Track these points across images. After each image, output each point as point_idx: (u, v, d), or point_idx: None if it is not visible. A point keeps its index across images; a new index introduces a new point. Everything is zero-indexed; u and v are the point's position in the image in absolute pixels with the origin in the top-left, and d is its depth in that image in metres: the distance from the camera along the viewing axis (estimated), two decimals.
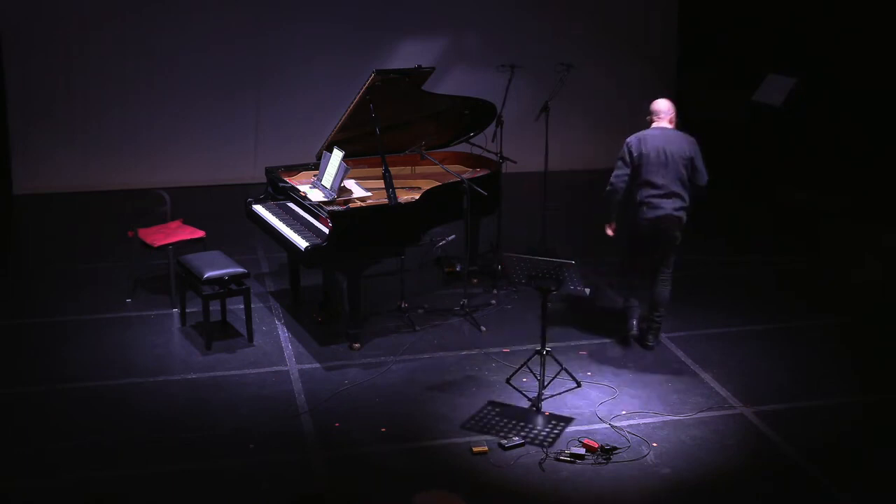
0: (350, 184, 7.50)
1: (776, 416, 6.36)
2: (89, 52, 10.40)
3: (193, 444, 6.02)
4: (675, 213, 6.93)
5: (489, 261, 8.40)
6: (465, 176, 7.60)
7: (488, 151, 8.28)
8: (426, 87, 7.71)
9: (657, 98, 7.24)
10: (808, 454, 5.95)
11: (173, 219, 8.19)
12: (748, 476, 5.80)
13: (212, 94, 10.75)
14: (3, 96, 10.38)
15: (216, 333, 7.30)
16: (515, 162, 8.28)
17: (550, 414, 6.35)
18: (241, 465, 5.81)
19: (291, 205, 7.55)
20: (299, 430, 6.19)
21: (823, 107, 10.76)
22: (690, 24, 11.65)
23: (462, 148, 8.36)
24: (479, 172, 7.98)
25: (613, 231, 7.22)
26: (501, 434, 6.12)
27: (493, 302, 7.98)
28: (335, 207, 7.05)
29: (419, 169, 8.13)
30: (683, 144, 6.95)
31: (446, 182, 7.62)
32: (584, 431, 6.16)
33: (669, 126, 7.04)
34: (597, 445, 5.94)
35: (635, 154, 6.94)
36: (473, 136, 8.25)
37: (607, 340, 7.37)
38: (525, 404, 6.48)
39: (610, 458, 5.86)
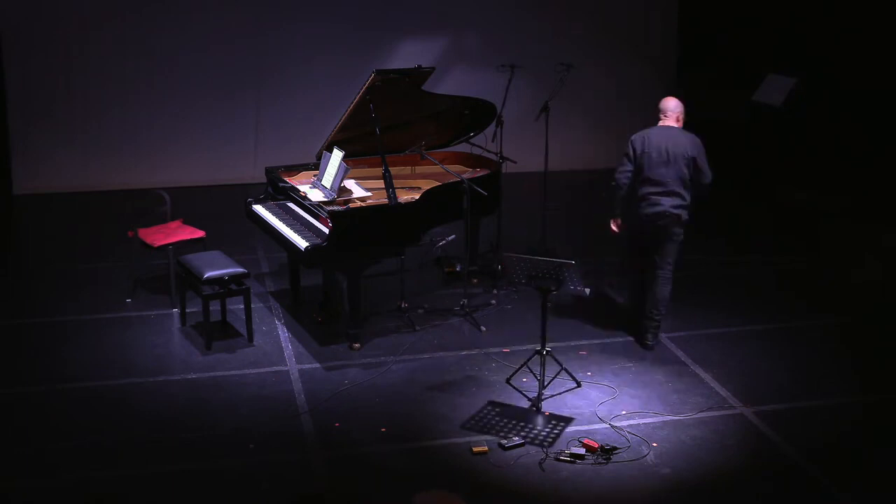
0: (350, 184, 7.50)
1: (776, 416, 6.36)
2: (89, 52, 10.40)
3: (193, 444, 6.02)
4: (673, 211, 6.97)
5: (489, 261, 8.40)
6: (465, 176, 7.60)
7: (488, 151, 8.28)
8: (426, 87, 7.71)
9: (663, 97, 7.32)
10: (808, 454, 5.95)
11: (173, 219, 8.19)
12: (748, 476, 5.80)
13: (212, 94, 10.75)
14: (3, 96, 10.38)
15: (216, 333, 7.30)
16: (515, 162, 8.28)
17: (550, 414, 6.35)
18: (241, 465, 5.81)
19: (291, 205, 7.55)
20: (299, 430, 6.19)
21: (823, 107, 10.76)
22: (690, 24, 11.65)
23: (462, 148, 8.36)
24: (479, 172, 7.98)
25: (618, 227, 7.29)
26: (501, 434, 6.12)
27: (493, 302, 7.98)
28: (335, 207, 7.05)
29: (419, 169, 8.13)
30: (686, 144, 6.98)
31: (446, 182, 7.62)
32: (584, 431, 6.16)
33: (676, 125, 7.10)
34: (597, 445, 5.94)
35: (638, 151, 7.02)
36: (473, 136, 8.25)
37: (607, 340, 7.37)
38: (525, 404, 6.48)
39: (610, 458, 5.86)
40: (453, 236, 7.82)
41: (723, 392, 6.66)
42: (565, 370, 6.69)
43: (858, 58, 10.64)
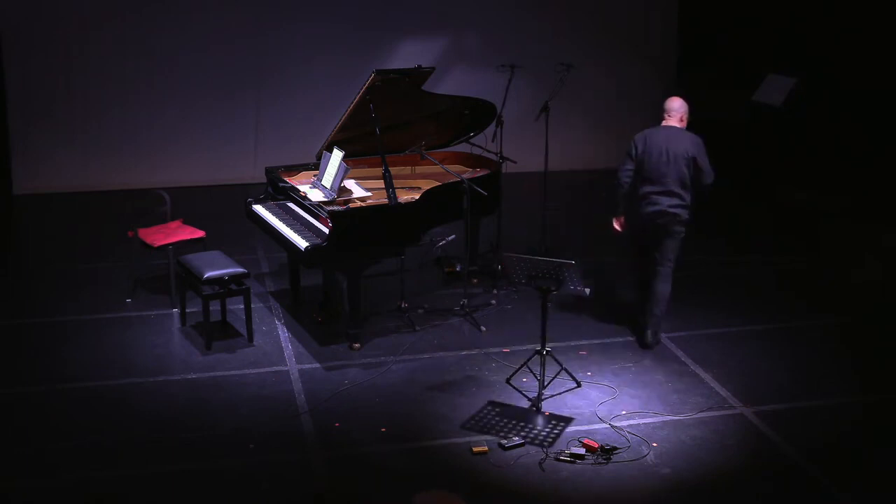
0: (350, 184, 7.50)
1: (776, 416, 6.36)
2: (89, 52, 10.40)
3: (193, 444, 6.02)
4: (672, 210, 7.01)
5: (489, 261, 8.40)
6: (465, 176, 7.60)
7: (488, 151, 8.28)
8: (426, 87, 7.70)
9: (666, 98, 7.35)
10: (808, 454, 5.95)
11: (173, 219, 8.19)
12: (748, 476, 5.80)
13: (212, 94, 10.75)
14: (3, 96, 10.38)
15: (216, 333, 7.30)
16: (515, 162, 8.28)
17: (550, 414, 6.35)
18: (241, 465, 5.81)
19: (291, 205, 7.55)
20: (299, 430, 6.19)
21: (823, 107, 10.76)
22: (690, 24, 11.65)
23: (462, 148, 8.36)
24: (479, 172, 7.99)
25: (621, 226, 7.34)
26: (501, 434, 6.12)
27: (493, 302, 7.98)
28: (335, 207, 7.05)
29: (419, 169, 8.13)
30: (687, 144, 7.01)
31: (446, 182, 7.62)
32: (584, 431, 6.16)
33: (679, 125, 7.14)
34: (597, 445, 5.94)
35: (639, 150, 7.09)
36: (473, 136, 8.25)
37: (607, 340, 7.37)
38: (525, 404, 6.48)
39: (610, 458, 5.86)
40: (453, 236, 7.82)
41: (723, 392, 6.66)
42: (565, 370, 6.69)
43: (858, 58, 10.63)
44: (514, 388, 6.67)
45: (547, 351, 6.51)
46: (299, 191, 7.50)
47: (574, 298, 7.63)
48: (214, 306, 7.30)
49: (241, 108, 10.85)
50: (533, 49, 10.66)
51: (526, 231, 9.12)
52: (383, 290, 7.87)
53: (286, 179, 7.75)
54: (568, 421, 6.28)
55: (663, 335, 7.36)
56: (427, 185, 7.68)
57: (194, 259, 7.35)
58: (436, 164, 7.89)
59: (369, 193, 7.43)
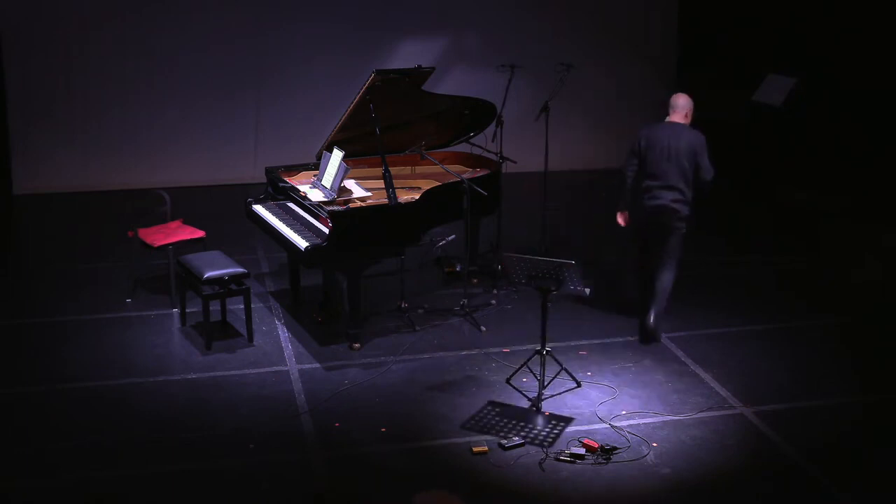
0: (350, 184, 7.50)
1: (776, 416, 6.36)
2: (89, 52, 10.40)
3: (193, 444, 6.02)
4: (672, 205, 7.12)
5: (489, 261, 8.40)
6: (465, 176, 7.60)
7: (488, 151, 8.28)
8: (426, 87, 7.70)
9: (670, 96, 7.42)
10: (808, 454, 5.95)
11: (173, 219, 8.19)
12: (748, 476, 5.80)
13: (212, 94, 10.75)
14: (3, 96, 10.38)
15: (216, 333, 7.30)
16: (515, 162, 8.28)
17: (550, 414, 6.35)
18: (241, 465, 5.81)
19: (291, 205, 7.55)
20: (299, 430, 6.19)
21: (823, 107, 10.75)
22: (690, 24, 11.65)
23: (462, 148, 8.36)
24: (479, 172, 7.98)
25: (625, 220, 7.45)
26: (501, 434, 6.12)
27: (493, 302, 7.98)
28: (335, 207, 7.05)
29: (419, 169, 8.13)
30: (689, 140, 7.12)
31: (446, 182, 7.62)
32: (584, 431, 6.16)
33: (682, 121, 7.23)
34: (597, 445, 5.94)
35: (643, 145, 7.21)
36: (473, 136, 8.25)
37: (607, 340, 7.37)
38: (525, 404, 6.47)
39: (610, 458, 5.86)
40: (453, 236, 7.82)
41: (723, 392, 6.66)
42: (565, 370, 6.69)
43: (858, 58, 10.63)
44: (514, 388, 6.67)
45: (547, 351, 6.51)
46: (299, 191, 7.50)
47: (574, 298, 7.63)
48: (214, 306, 7.30)
49: (241, 108, 10.85)
50: (533, 49, 10.66)
51: (526, 231, 9.12)
52: (383, 290, 7.87)
53: (286, 179, 7.75)
54: (568, 421, 6.28)
55: (663, 335, 7.36)
56: (427, 185, 7.68)
57: (194, 259, 7.35)
58: (436, 164, 7.89)
59: (369, 193, 7.43)
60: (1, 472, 5.71)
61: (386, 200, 7.13)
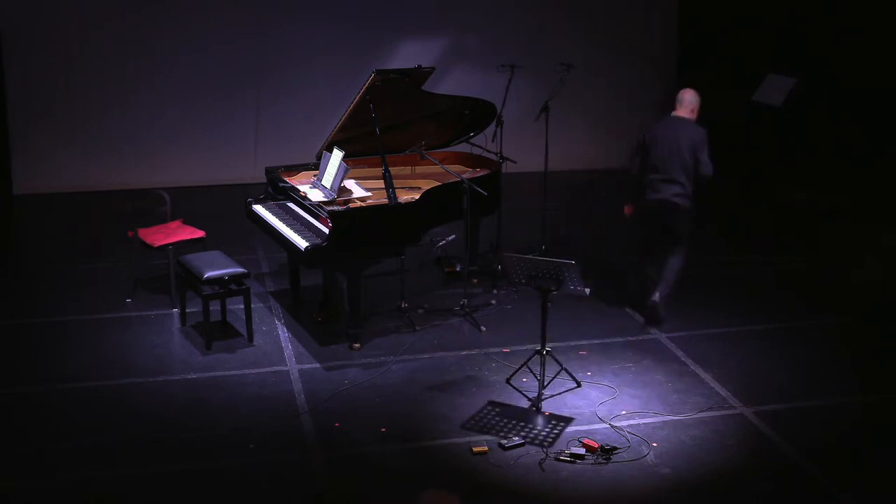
0: (350, 184, 7.50)
1: (776, 416, 6.36)
2: (89, 52, 10.40)
3: (193, 444, 6.02)
4: (674, 199, 7.29)
5: (489, 261, 8.40)
6: (465, 176, 7.60)
7: (488, 151, 8.28)
8: (426, 87, 7.70)
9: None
10: (808, 454, 5.95)
11: (173, 219, 8.19)
12: (748, 476, 5.80)
13: (212, 94, 10.75)
14: (3, 96, 10.38)
15: (216, 333, 7.30)
16: (515, 162, 8.28)
17: (550, 414, 6.35)
18: (241, 465, 5.81)
19: (291, 205, 7.55)
20: (299, 430, 6.19)
21: (823, 107, 10.75)
22: (690, 24, 11.65)
23: (462, 148, 8.36)
24: (479, 172, 7.98)
25: (629, 212, 7.68)
26: (501, 434, 6.12)
27: (493, 302, 7.98)
28: (335, 207, 7.05)
29: (419, 169, 8.13)
30: (690, 135, 7.26)
31: (446, 182, 7.62)
32: (584, 431, 6.16)
33: (688, 116, 7.35)
34: (597, 445, 5.94)
35: (648, 138, 7.37)
36: (473, 136, 8.25)
37: (607, 340, 7.37)
38: (525, 404, 6.47)
39: (610, 458, 5.86)
40: (453, 236, 7.82)
41: (723, 392, 6.66)
42: (565, 370, 6.69)
43: (858, 58, 10.63)
44: (514, 388, 6.67)
45: (547, 351, 6.51)
46: (299, 191, 7.50)
47: (574, 298, 7.63)
48: (214, 306, 7.30)
49: (241, 108, 10.85)
50: (533, 49, 10.67)
51: (526, 231, 9.12)
52: (383, 290, 7.87)
53: (286, 179, 7.75)
54: (568, 421, 6.28)
55: (664, 335, 7.37)
56: (427, 185, 7.68)
57: (194, 259, 7.35)
58: (436, 164, 7.89)
59: (369, 193, 7.43)
60: (1, 472, 5.71)
61: (386, 200, 7.13)
